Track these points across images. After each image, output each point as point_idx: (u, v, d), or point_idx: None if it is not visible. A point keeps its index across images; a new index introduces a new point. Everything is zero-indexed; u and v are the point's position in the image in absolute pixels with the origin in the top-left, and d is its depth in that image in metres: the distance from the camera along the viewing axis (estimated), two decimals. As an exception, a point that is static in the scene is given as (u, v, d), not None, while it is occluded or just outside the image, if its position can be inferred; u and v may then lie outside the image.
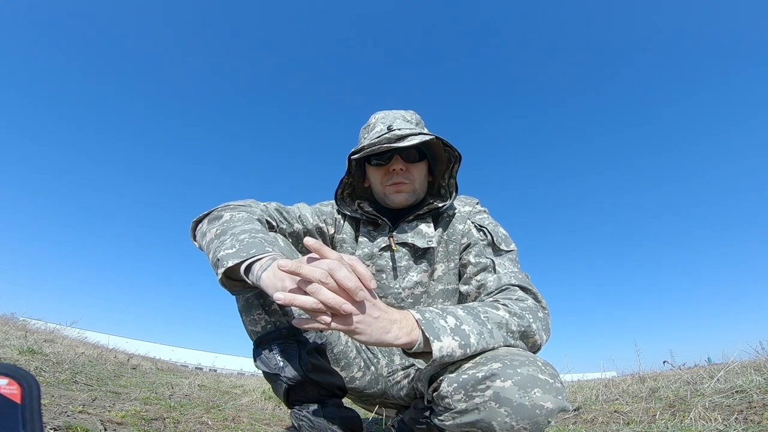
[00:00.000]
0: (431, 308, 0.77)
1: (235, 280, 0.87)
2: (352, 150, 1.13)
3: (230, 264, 0.80)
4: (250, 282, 0.80)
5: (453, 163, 1.15)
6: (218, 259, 0.83)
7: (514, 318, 0.81)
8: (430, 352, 0.70)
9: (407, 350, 0.73)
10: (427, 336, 0.70)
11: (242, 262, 0.80)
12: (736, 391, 1.71)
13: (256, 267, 0.78)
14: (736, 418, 1.34)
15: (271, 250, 0.83)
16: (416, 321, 0.72)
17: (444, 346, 0.70)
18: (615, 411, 1.79)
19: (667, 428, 1.35)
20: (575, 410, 1.95)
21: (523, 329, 0.82)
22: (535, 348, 0.86)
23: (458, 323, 0.74)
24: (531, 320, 0.83)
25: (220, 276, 0.83)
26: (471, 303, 0.84)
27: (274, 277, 0.72)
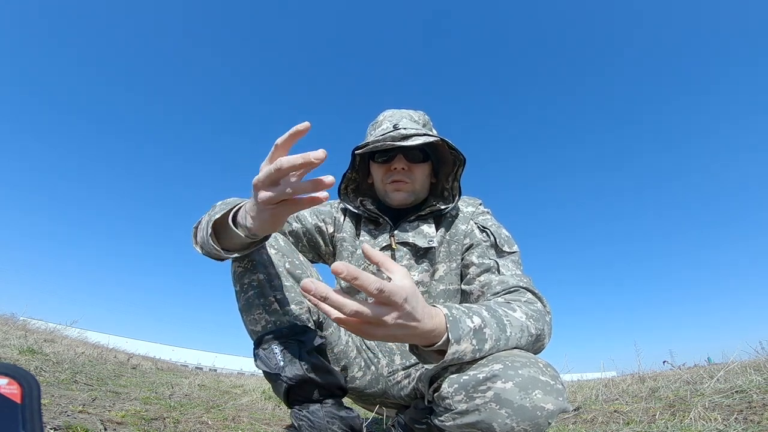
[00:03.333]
0: (458, 305, 0.75)
1: (229, 250, 0.88)
2: (357, 145, 1.14)
3: (217, 216, 0.83)
4: (241, 232, 0.80)
5: (458, 167, 1.15)
6: (207, 223, 0.86)
7: (531, 321, 0.81)
8: (442, 351, 0.70)
9: (423, 347, 0.72)
10: (450, 337, 0.69)
11: (229, 211, 0.83)
12: (736, 391, 1.70)
13: (242, 213, 0.80)
14: (736, 418, 1.33)
15: None
16: (444, 316, 0.70)
17: (459, 350, 0.69)
18: (615, 411, 1.79)
19: (667, 428, 1.35)
20: (575, 410, 1.95)
21: (539, 332, 0.82)
22: (540, 350, 0.86)
23: (482, 324, 0.73)
24: (542, 323, 0.84)
25: (209, 232, 0.84)
26: (489, 303, 0.83)
27: (254, 215, 0.74)
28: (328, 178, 0.67)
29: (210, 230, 0.84)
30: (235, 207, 0.83)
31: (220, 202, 0.97)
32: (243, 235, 0.81)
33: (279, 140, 0.68)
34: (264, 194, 0.69)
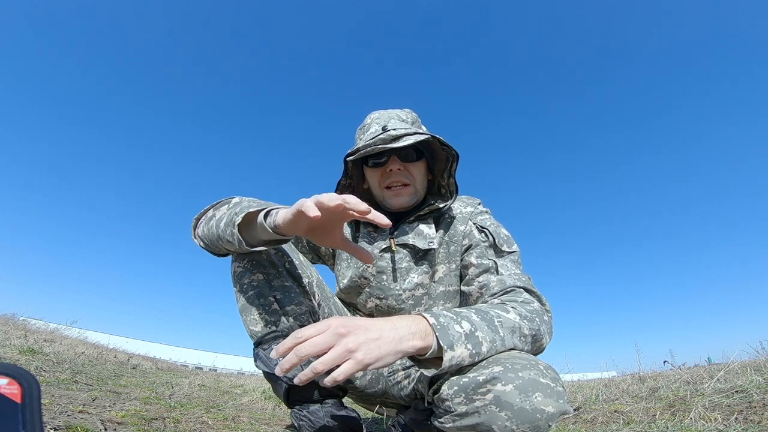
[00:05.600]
0: (445, 311, 0.75)
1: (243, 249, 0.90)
2: (348, 152, 1.12)
3: (251, 210, 0.86)
4: (267, 226, 0.83)
5: (451, 162, 1.14)
6: (235, 214, 0.87)
7: (525, 321, 0.80)
8: (440, 358, 0.70)
9: (418, 356, 0.72)
10: (441, 344, 0.68)
11: (261, 210, 0.86)
12: (736, 391, 1.70)
13: (275, 212, 0.83)
14: (736, 418, 1.33)
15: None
16: (431, 326, 0.70)
17: (455, 355, 0.69)
18: (615, 411, 1.78)
19: (667, 428, 1.34)
20: (575, 410, 1.95)
21: (534, 333, 0.81)
22: (540, 351, 0.86)
23: (473, 329, 0.72)
24: (539, 323, 0.83)
25: (238, 220, 0.85)
26: (481, 305, 0.83)
27: (289, 211, 0.78)
28: (385, 220, 0.75)
29: (240, 219, 0.85)
30: (268, 208, 0.87)
31: (237, 199, 1.00)
32: (270, 231, 0.83)
33: (353, 201, 0.73)
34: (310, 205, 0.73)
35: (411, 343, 0.68)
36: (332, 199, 0.72)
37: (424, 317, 0.72)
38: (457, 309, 0.79)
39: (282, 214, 0.81)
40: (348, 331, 0.65)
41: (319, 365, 0.63)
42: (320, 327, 0.66)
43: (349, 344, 0.64)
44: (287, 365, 0.64)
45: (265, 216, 0.85)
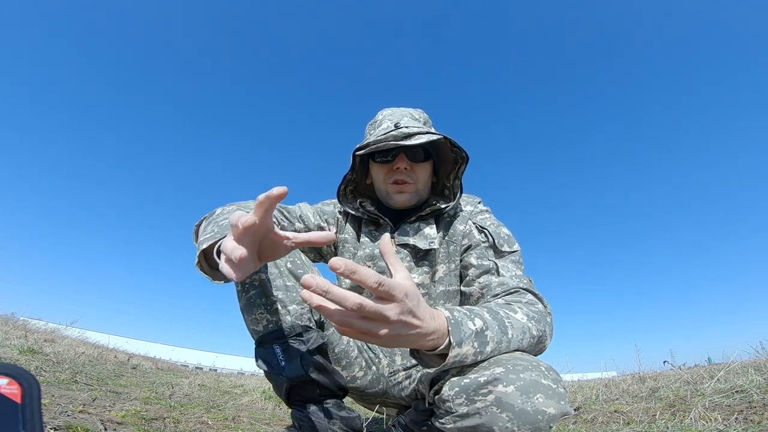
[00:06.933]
0: (458, 307, 0.74)
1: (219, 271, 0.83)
2: (357, 146, 1.12)
3: (204, 246, 0.79)
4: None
5: (460, 164, 1.14)
6: (201, 242, 0.83)
7: (533, 322, 0.81)
8: (443, 355, 0.69)
9: (425, 351, 0.71)
10: (452, 340, 0.67)
11: (215, 243, 0.78)
12: (736, 391, 1.70)
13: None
14: (736, 418, 1.33)
15: None
16: (445, 319, 0.69)
17: (461, 352, 0.68)
18: (615, 411, 1.78)
19: (667, 428, 1.34)
20: (576, 410, 1.95)
21: (540, 334, 0.81)
22: (541, 352, 0.86)
23: (484, 327, 0.72)
24: (544, 324, 0.83)
25: (196, 260, 0.81)
26: (490, 304, 0.83)
27: (229, 241, 0.65)
28: (276, 191, 0.62)
29: (196, 259, 0.81)
30: (222, 238, 0.76)
31: (219, 210, 0.97)
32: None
33: (261, 197, 0.64)
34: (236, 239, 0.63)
35: (424, 343, 0.67)
36: (250, 212, 0.62)
37: (441, 312, 0.70)
38: (469, 306, 0.78)
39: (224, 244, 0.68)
40: (396, 320, 0.60)
41: (344, 330, 0.59)
42: (389, 298, 0.59)
43: (381, 332, 0.60)
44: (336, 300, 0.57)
45: (219, 249, 0.75)
